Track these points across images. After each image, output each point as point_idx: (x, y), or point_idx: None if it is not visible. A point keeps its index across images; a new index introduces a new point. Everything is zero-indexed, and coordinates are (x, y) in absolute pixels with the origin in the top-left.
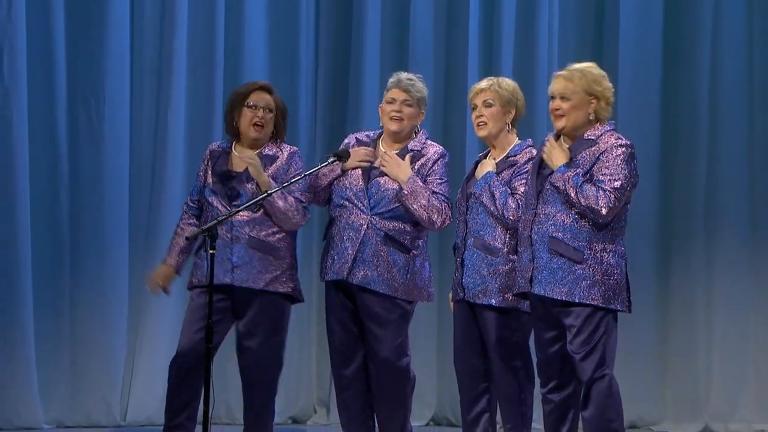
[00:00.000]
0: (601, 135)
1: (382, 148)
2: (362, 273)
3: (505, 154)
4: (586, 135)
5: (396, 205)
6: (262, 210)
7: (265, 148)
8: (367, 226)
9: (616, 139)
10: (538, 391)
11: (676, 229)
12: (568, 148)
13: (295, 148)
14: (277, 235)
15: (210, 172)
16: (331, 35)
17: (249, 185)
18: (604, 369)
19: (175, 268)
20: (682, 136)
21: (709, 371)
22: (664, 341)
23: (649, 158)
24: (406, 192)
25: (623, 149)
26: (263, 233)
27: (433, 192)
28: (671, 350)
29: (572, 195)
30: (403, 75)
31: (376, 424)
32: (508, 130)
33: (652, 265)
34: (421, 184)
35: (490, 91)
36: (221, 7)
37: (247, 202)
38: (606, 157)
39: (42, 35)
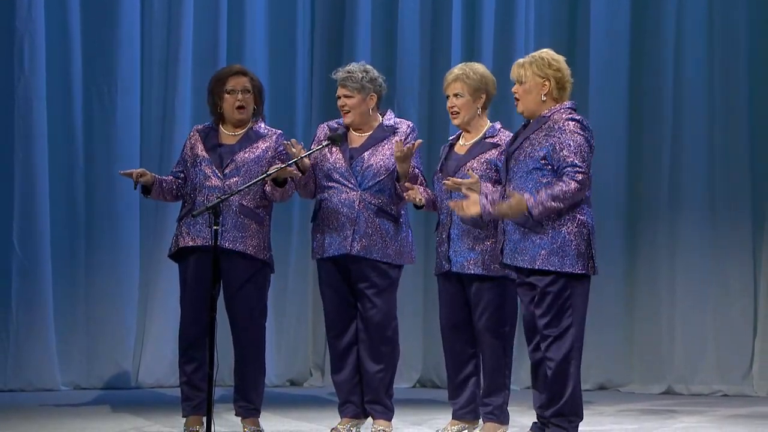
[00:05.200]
0: (554, 113)
1: (354, 132)
2: (360, 244)
3: (480, 135)
4: (541, 114)
5: (381, 178)
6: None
7: (254, 125)
8: (359, 202)
9: (567, 115)
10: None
11: (642, 206)
12: (525, 128)
13: (280, 130)
14: (262, 206)
15: (201, 146)
16: (325, 32)
17: (240, 154)
18: (558, 329)
19: (151, 180)
20: (647, 120)
21: (672, 338)
22: (630, 310)
23: (618, 141)
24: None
25: (573, 123)
26: (252, 203)
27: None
28: (637, 318)
29: (550, 205)
30: (341, 72)
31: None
32: (479, 115)
33: (620, 239)
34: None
35: (459, 83)
36: (224, 3)
37: (250, 180)
38: (559, 136)
39: (59, 28)
